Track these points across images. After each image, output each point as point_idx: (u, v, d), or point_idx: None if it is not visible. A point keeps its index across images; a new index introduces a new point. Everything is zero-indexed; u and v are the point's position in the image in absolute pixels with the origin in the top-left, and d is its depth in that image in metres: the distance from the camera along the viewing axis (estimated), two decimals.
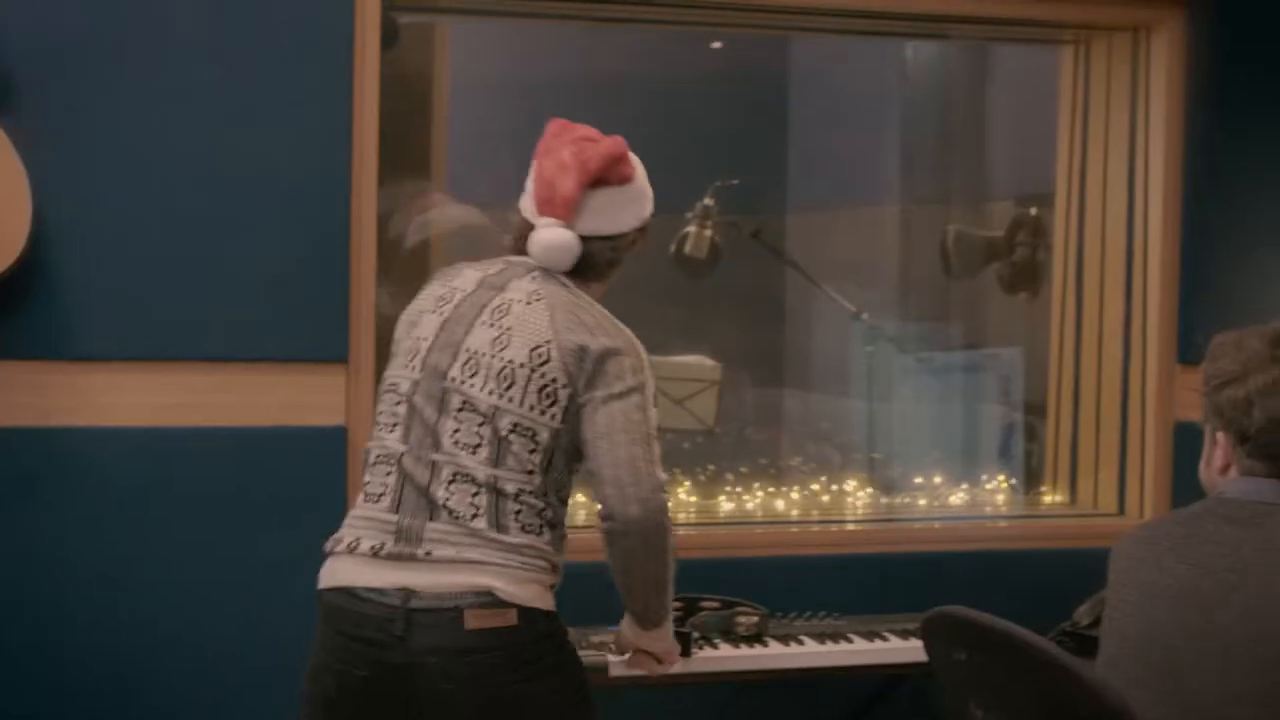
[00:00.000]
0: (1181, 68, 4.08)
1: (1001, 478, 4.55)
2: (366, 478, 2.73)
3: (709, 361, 4.63)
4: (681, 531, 3.99)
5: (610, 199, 2.81)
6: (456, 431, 2.65)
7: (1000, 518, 4.33)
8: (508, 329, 2.68)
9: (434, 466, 2.65)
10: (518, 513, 2.65)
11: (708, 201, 4.87)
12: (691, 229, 4.88)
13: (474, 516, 2.63)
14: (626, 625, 2.87)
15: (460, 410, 2.66)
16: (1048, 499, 4.45)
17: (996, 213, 5.26)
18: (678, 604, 3.51)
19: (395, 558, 2.64)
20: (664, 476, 2.67)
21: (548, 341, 2.66)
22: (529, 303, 2.70)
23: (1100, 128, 4.31)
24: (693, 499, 4.27)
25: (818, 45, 5.77)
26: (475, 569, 2.61)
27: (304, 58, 3.48)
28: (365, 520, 2.70)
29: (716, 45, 5.92)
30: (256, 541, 3.48)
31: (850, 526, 4.20)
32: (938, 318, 5.48)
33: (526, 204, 2.85)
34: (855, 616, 3.72)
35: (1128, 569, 2.56)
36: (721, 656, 3.46)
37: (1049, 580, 3.70)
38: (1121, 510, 4.22)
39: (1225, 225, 4.10)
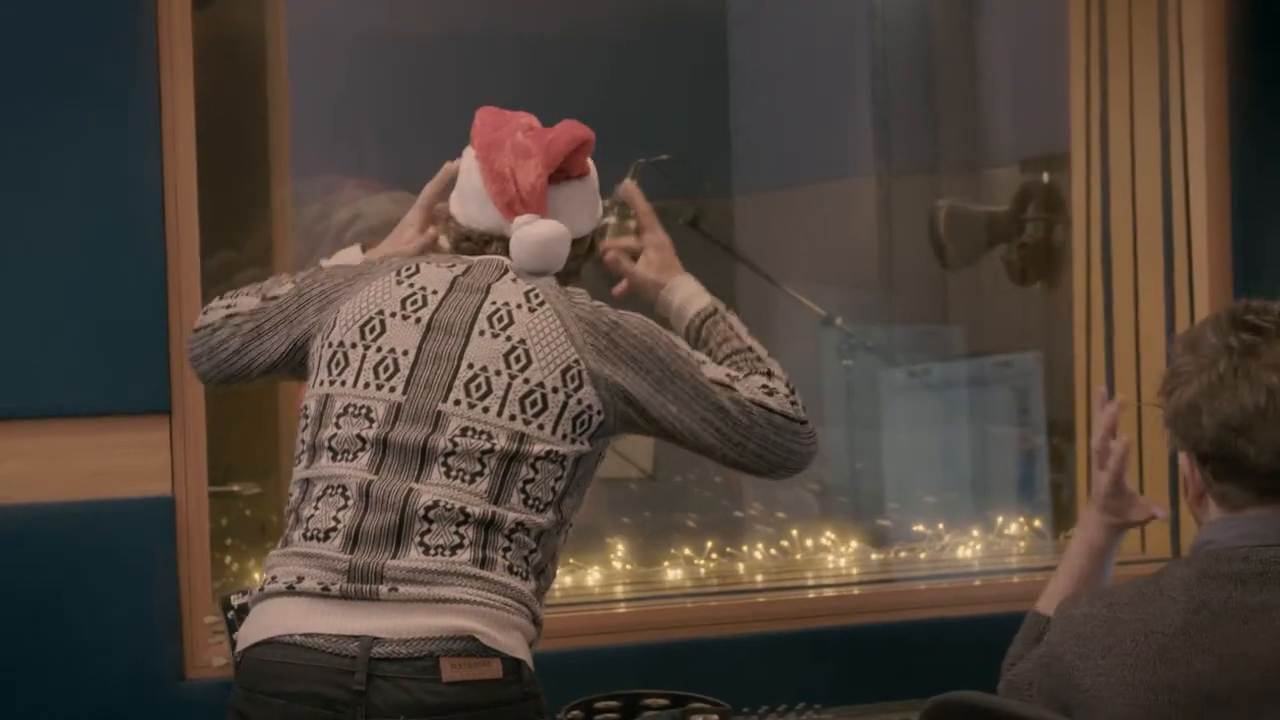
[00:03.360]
0: None
1: (1022, 520, 4.55)
2: (307, 511, 2.76)
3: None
4: (619, 609, 4.01)
5: (572, 195, 2.97)
6: (450, 456, 2.73)
7: (1021, 570, 4.33)
8: (520, 341, 2.79)
9: (411, 496, 2.71)
10: (506, 550, 2.72)
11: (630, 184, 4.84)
12: (610, 220, 4.83)
13: (455, 549, 2.69)
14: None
15: (460, 435, 2.74)
16: None
17: (999, 181, 5.28)
18: (613, 703, 3.50)
19: (350, 597, 2.67)
20: (785, 400, 2.88)
21: (576, 362, 2.79)
22: (531, 307, 2.82)
23: (1123, 65, 4.32)
24: (628, 567, 4.26)
25: None
26: (451, 609, 2.66)
27: (85, 31, 3.48)
28: (305, 558, 2.73)
29: None
30: (57, 665, 3.45)
31: (830, 592, 4.20)
32: (933, 319, 5.49)
33: (468, 209, 2.95)
34: (842, 708, 3.72)
35: (1118, 669, 2.48)
36: None
37: None
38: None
39: None
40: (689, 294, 3.10)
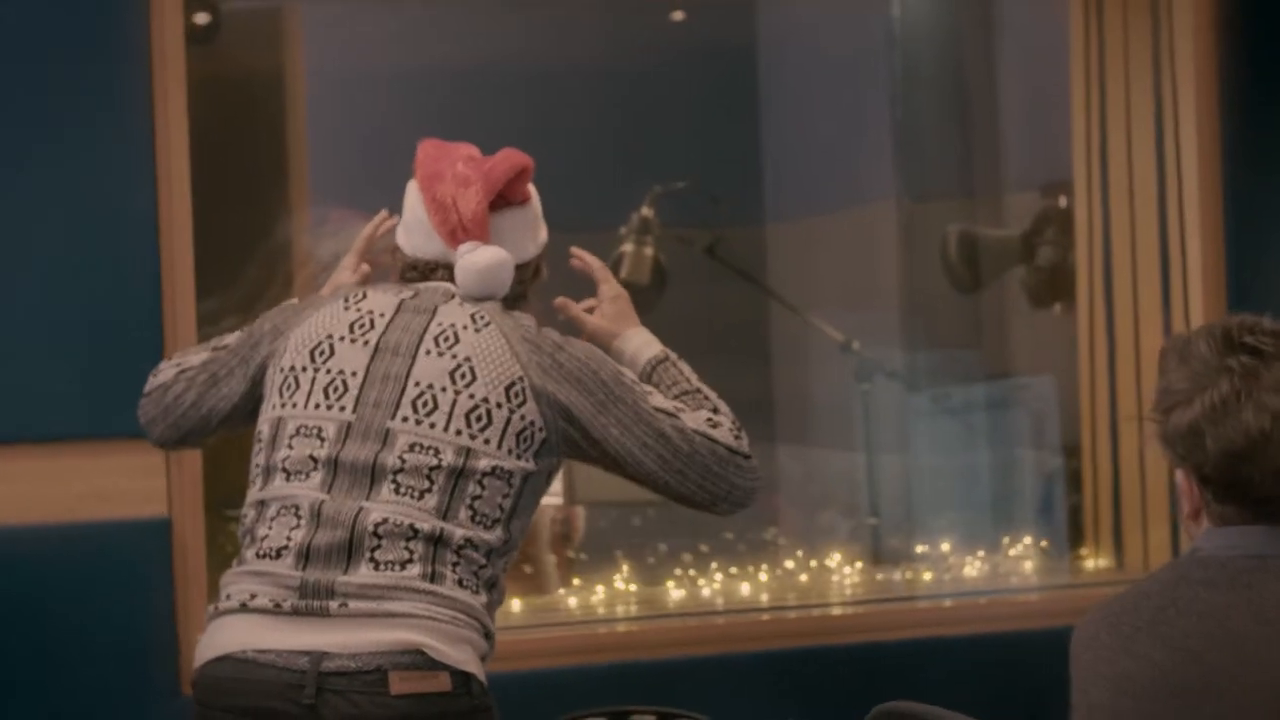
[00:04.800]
0: (1212, 9, 4.13)
1: (1029, 540, 4.56)
2: (262, 530, 2.79)
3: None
4: (620, 629, 4.06)
5: (515, 221, 2.97)
6: (399, 473, 2.76)
7: (1025, 590, 4.34)
8: (466, 359, 2.82)
9: (361, 514, 2.73)
10: (455, 565, 2.74)
11: (645, 212, 4.90)
12: (628, 248, 4.92)
13: (405, 564, 2.72)
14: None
15: (408, 452, 2.77)
16: (1089, 564, 4.47)
17: (1019, 206, 5.28)
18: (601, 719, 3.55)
19: (301, 613, 2.70)
20: (729, 435, 2.88)
21: (520, 379, 2.81)
22: (477, 328, 2.85)
23: (1120, 93, 4.35)
24: (632, 588, 4.29)
25: (789, 9, 5.83)
26: (400, 623, 2.68)
27: (79, 61, 3.56)
28: (258, 576, 2.75)
29: (678, 16, 5.99)
30: (54, 680, 3.53)
31: (836, 611, 4.24)
32: (954, 343, 5.49)
33: (413, 240, 2.98)
34: None
35: (1094, 662, 2.52)
36: None
37: None
38: None
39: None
40: (641, 343, 3.10)
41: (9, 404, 3.53)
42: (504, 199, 2.94)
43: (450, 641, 2.69)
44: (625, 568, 4.37)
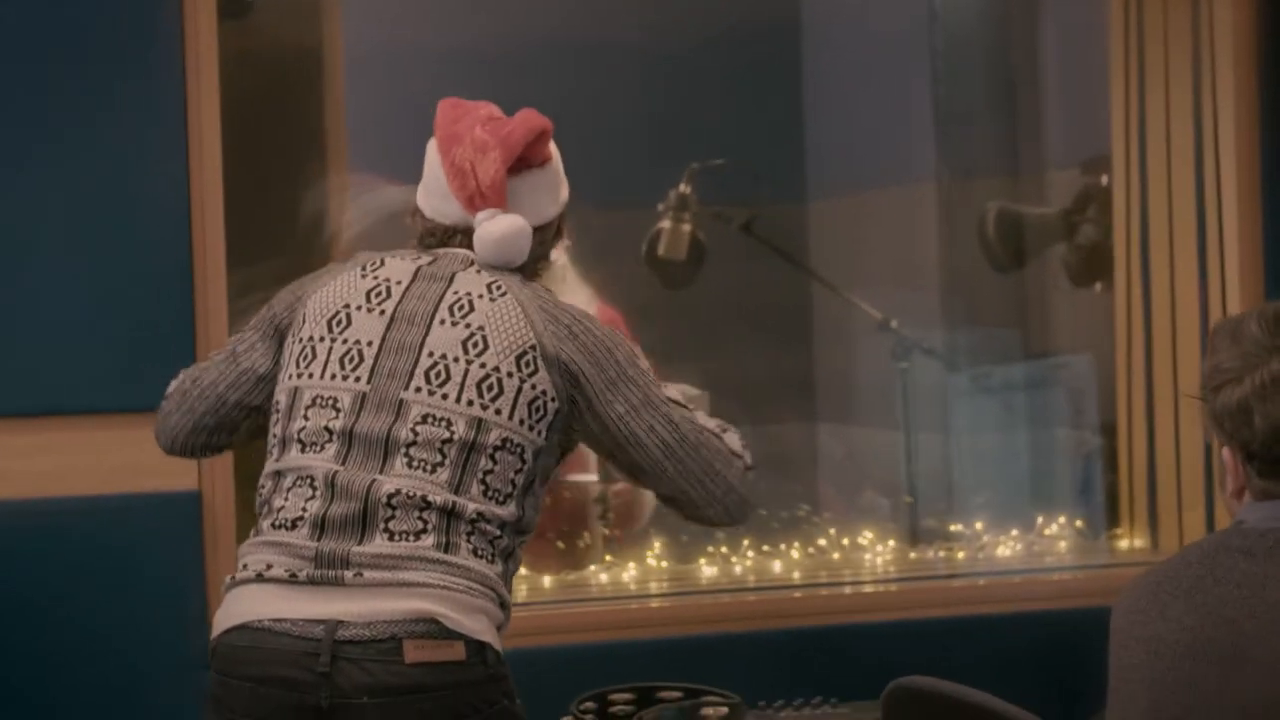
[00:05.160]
0: None
1: (1063, 519, 4.55)
2: (278, 501, 2.80)
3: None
4: (654, 604, 4.07)
5: (535, 184, 2.95)
6: (412, 446, 2.76)
7: (1058, 569, 4.33)
8: (479, 328, 2.81)
9: (374, 486, 2.74)
10: (470, 535, 2.75)
11: (684, 189, 4.90)
12: (665, 225, 4.93)
13: (419, 534, 2.73)
14: None
15: (421, 423, 2.77)
16: (1124, 543, 4.46)
17: (1061, 183, 5.27)
18: (628, 695, 3.56)
19: (317, 583, 2.71)
20: (738, 444, 2.91)
21: (533, 348, 2.81)
22: (493, 297, 2.84)
23: (1158, 69, 4.33)
24: (664, 564, 4.30)
25: None
26: (414, 592, 2.69)
27: (115, 42, 3.58)
28: (274, 546, 2.77)
29: None
30: (87, 650, 3.57)
31: (868, 588, 4.22)
32: (994, 321, 5.48)
33: (432, 202, 2.97)
34: (858, 703, 3.74)
35: (1129, 625, 2.56)
36: None
37: None
38: None
39: None
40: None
41: (43, 377, 3.57)
42: (524, 161, 2.91)
43: (465, 611, 2.71)
44: (657, 544, 4.38)
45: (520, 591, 4.08)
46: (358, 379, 2.81)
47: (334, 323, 2.87)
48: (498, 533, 2.78)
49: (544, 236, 2.97)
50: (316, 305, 2.90)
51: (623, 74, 5.74)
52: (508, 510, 2.78)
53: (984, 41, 5.62)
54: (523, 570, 4.14)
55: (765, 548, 4.42)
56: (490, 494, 2.77)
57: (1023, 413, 5.15)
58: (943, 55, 5.61)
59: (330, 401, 2.82)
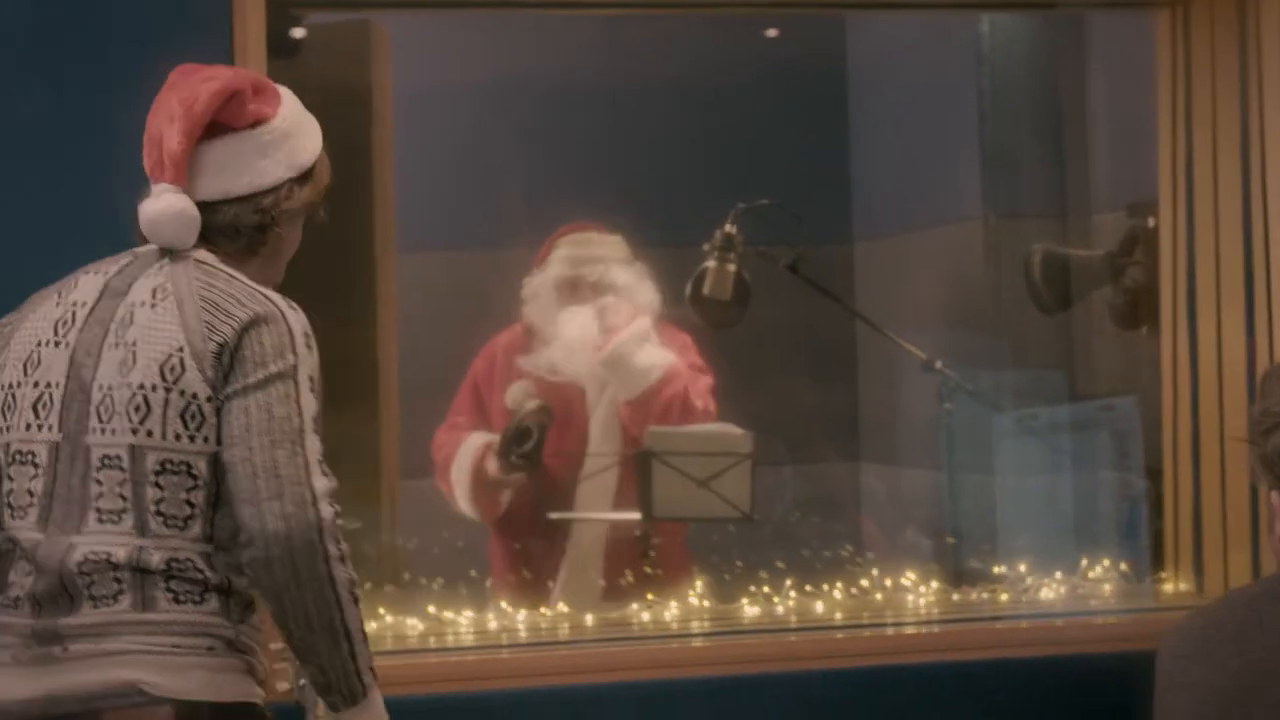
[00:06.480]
0: None
1: (1107, 562, 4.53)
2: (8, 579, 2.68)
3: (736, 430, 4.68)
4: (695, 644, 4.06)
5: (236, 148, 2.75)
6: (100, 498, 2.62)
7: (1103, 612, 4.31)
8: (132, 345, 2.63)
9: (67, 553, 2.61)
10: (166, 582, 2.61)
11: (729, 229, 4.92)
12: (710, 264, 4.94)
13: (117, 596, 2.60)
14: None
15: (101, 469, 2.62)
16: (1168, 587, 4.44)
17: (1107, 225, 5.27)
18: None
19: (38, 662, 2.62)
20: (326, 483, 2.59)
21: (179, 350, 2.61)
22: (154, 304, 2.66)
23: (1206, 112, 4.32)
24: (706, 603, 4.30)
25: (878, 28, 5.83)
26: (115, 661, 2.59)
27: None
28: (2, 629, 2.69)
29: (771, 33, 6.02)
30: None
31: (910, 630, 4.21)
32: (1040, 363, 5.48)
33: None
34: None
35: (1176, 670, 2.58)
36: None
37: None
38: None
39: None
40: None
41: None
42: (220, 126, 2.73)
43: (171, 671, 2.59)
44: (700, 583, 4.38)
45: (562, 629, 4.10)
46: (50, 427, 2.65)
47: (28, 364, 2.70)
48: (199, 568, 2.62)
49: (260, 203, 2.75)
50: (17, 344, 2.73)
51: (670, 113, 5.78)
52: (191, 536, 2.61)
53: (1030, 82, 5.63)
54: (563, 608, 4.21)
55: (808, 588, 4.41)
56: (171, 524, 2.60)
57: (1067, 454, 5.14)
58: (989, 96, 5.62)
59: (29, 457, 2.66)
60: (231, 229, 2.75)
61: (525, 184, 5.54)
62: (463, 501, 4.78)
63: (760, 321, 5.10)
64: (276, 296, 2.69)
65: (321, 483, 2.58)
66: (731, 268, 4.95)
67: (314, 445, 2.59)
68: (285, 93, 2.85)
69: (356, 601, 2.61)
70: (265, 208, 2.76)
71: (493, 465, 4.70)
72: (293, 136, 2.79)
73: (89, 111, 3.53)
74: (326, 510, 2.57)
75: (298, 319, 2.66)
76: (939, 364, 4.92)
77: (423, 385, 4.95)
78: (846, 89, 6.09)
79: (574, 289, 4.76)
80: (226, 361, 2.61)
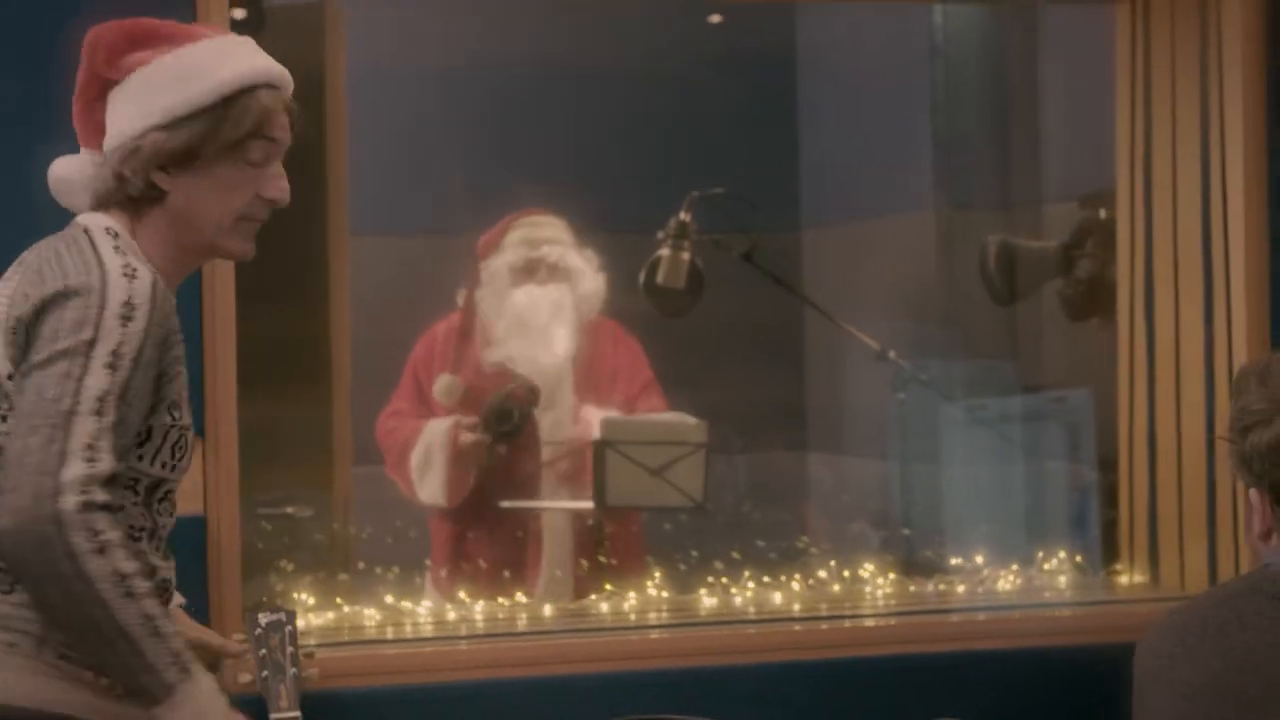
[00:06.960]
0: (1260, 22, 4.11)
1: (1062, 554, 4.54)
2: None
3: (690, 419, 4.66)
4: (652, 636, 4.04)
5: (121, 99, 2.66)
6: None
7: (1059, 605, 4.32)
8: None
9: None
10: None
11: (683, 217, 4.89)
12: (664, 253, 4.91)
13: None
14: None
15: None
16: (1123, 579, 4.44)
17: (1059, 217, 5.28)
18: None
19: None
20: (83, 470, 2.37)
21: (3, 320, 2.53)
22: (7, 277, 2.60)
23: (1165, 104, 4.32)
24: (663, 594, 4.28)
25: (829, 15, 5.82)
26: None
27: None
28: None
29: (715, 19, 6.00)
30: None
31: (869, 622, 4.19)
32: (992, 353, 5.49)
33: None
34: None
35: (1155, 668, 2.57)
36: None
37: (1117, 682, 3.68)
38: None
39: None
40: None
41: None
42: (109, 81, 2.65)
43: None
44: (657, 574, 4.36)
45: (520, 620, 4.07)
46: None
47: None
48: None
49: (125, 152, 2.61)
50: None
51: (623, 101, 5.75)
52: None
53: (983, 74, 5.63)
54: (521, 598, 4.19)
55: (765, 578, 4.39)
56: None
57: (1019, 446, 5.15)
58: (943, 86, 5.62)
59: None
60: (104, 188, 2.63)
61: (475, 170, 5.50)
62: (432, 483, 4.69)
63: (712, 310, 5.09)
64: (114, 265, 2.50)
65: (75, 470, 2.36)
66: (685, 256, 4.93)
67: (85, 428, 2.38)
68: (200, 32, 2.70)
69: (134, 595, 2.39)
70: (128, 158, 2.60)
71: (468, 437, 4.63)
72: (159, 85, 2.61)
73: (50, 90, 3.47)
74: (70, 501, 2.33)
75: (123, 289, 2.47)
76: (892, 354, 4.91)
77: (373, 371, 4.90)
78: (795, 76, 6.07)
79: (530, 272, 4.72)
80: (22, 339, 2.48)
